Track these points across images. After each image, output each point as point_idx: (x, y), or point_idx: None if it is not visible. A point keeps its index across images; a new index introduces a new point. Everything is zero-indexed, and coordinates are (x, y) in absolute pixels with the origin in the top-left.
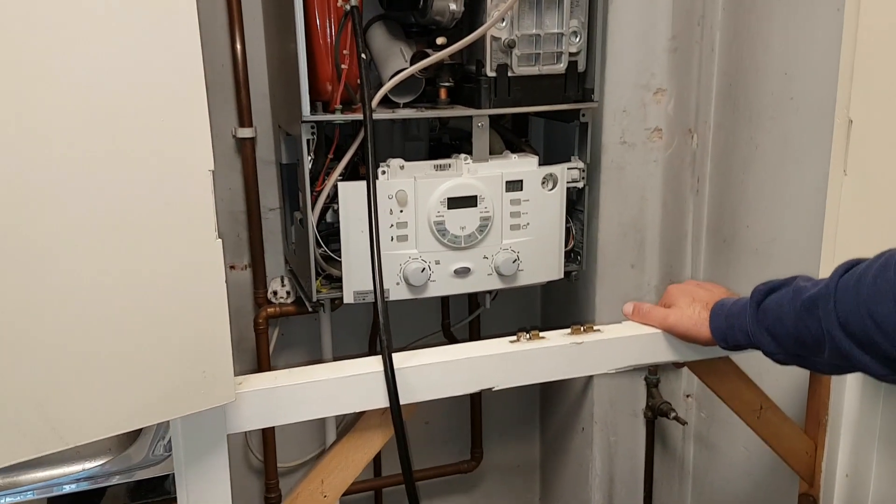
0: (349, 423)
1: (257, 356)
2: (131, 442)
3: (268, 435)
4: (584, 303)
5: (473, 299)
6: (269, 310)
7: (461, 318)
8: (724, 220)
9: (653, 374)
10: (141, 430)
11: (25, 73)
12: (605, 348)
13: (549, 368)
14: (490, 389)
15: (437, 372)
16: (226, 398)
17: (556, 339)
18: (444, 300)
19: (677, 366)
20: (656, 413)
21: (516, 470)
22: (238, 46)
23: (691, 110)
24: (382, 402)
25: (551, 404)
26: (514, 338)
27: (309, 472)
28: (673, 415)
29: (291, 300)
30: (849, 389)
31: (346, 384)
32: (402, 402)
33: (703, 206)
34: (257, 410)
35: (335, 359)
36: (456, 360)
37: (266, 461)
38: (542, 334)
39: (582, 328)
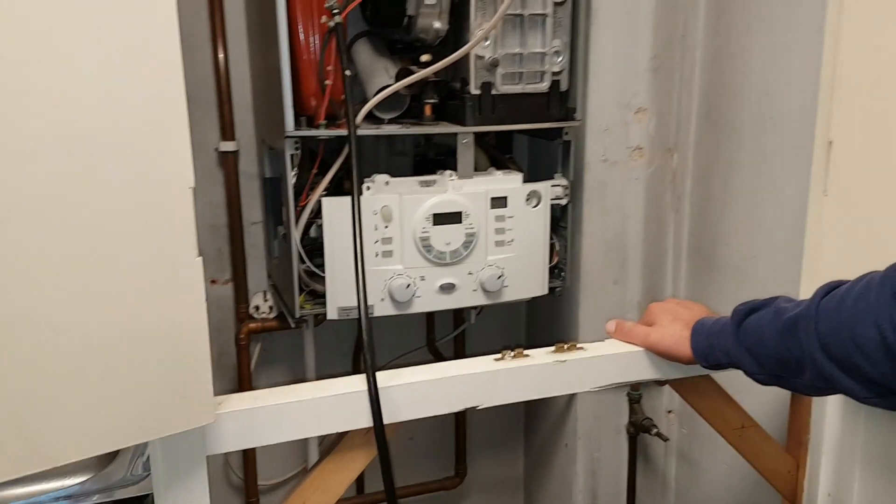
0: (332, 442)
1: (238, 372)
2: (111, 460)
3: (248, 452)
4: (567, 319)
5: (458, 314)
6: (250, 325)
7: (446, 333)
8: (704, 238)
9: (635, 391)
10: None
11: None
12: (589, 366)
13: (533, 386)
14: (475, 408)
15: (422, 391)
16: (205, 419)
17: (540, 357)
18: (429, 315)
19: (659, 384)
20: (638, 429)
21: (500, 486)
22: (221, 59)
23: (672, 129)
24: (366, 421)
25: (535, 420)
26: (499, 356)
27: (290, 494)
28: (655, 431)
29: (274, 315)
30: (830, 409)
31: (328, 403)
32: (385, 421)
33: (683, 223)
34: (238, 431)
35: (318, 375)
36: (440, 379)
37: (246, 479)
38: (526, 352)
39: (565, 346)
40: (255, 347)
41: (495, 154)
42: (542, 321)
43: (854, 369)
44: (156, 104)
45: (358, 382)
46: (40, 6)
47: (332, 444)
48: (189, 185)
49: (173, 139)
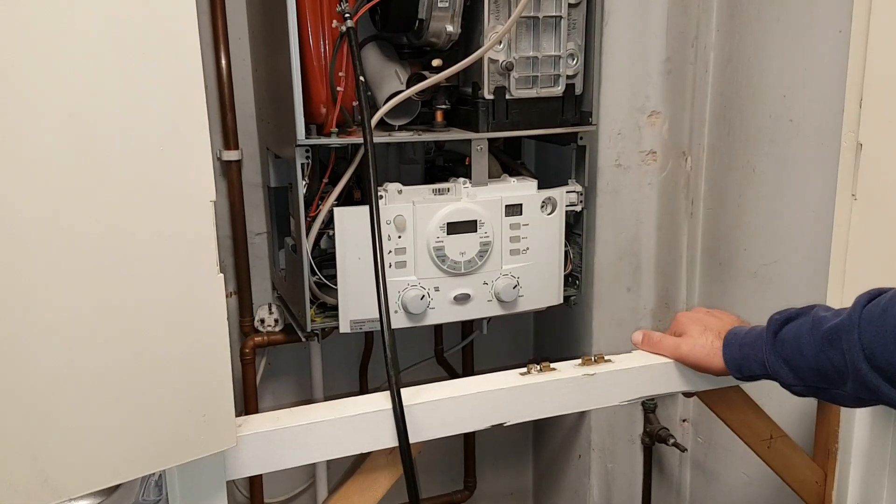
0: (353, 461)
1: (244, 388)
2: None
3: None
4: (579, 327)
5: (467, 324)
6: (256, 339)
7: (454, 344)
8: (719, 243)
9: (650, 400)
10: None
11: (14, 99)
12: (618, 379)
13: (561, 401)
14: (501, 425)
15: (447, 408)
16: (227, 443)
17: (567, 370)
18: (438, 326)
19: (687, 395)
20: (654, 439)
21: (509, 498)
22: (223, 66)
23: (685, 132)
24: (390, 441)
25: (545, 432)
26: (525, 370)
27: None
28: (672, 441)
29: (280, 328)
30: (859, 418)
31: (352, 424)
32: (410, 440)
33: (697, 228)
34: (259, 455)
35: (325, 389)
36: (466, 396)
37: (252, 497)
38: (552, 366)
39: (593, 359)
40: (259, 362)
41: (507, 160)
42: (552, 330)
43: None
44: (177, 116)
45: (381, 401)
46: (60, 20)
47: (353, 465)
48: (210, 198)
49: (195, 151)
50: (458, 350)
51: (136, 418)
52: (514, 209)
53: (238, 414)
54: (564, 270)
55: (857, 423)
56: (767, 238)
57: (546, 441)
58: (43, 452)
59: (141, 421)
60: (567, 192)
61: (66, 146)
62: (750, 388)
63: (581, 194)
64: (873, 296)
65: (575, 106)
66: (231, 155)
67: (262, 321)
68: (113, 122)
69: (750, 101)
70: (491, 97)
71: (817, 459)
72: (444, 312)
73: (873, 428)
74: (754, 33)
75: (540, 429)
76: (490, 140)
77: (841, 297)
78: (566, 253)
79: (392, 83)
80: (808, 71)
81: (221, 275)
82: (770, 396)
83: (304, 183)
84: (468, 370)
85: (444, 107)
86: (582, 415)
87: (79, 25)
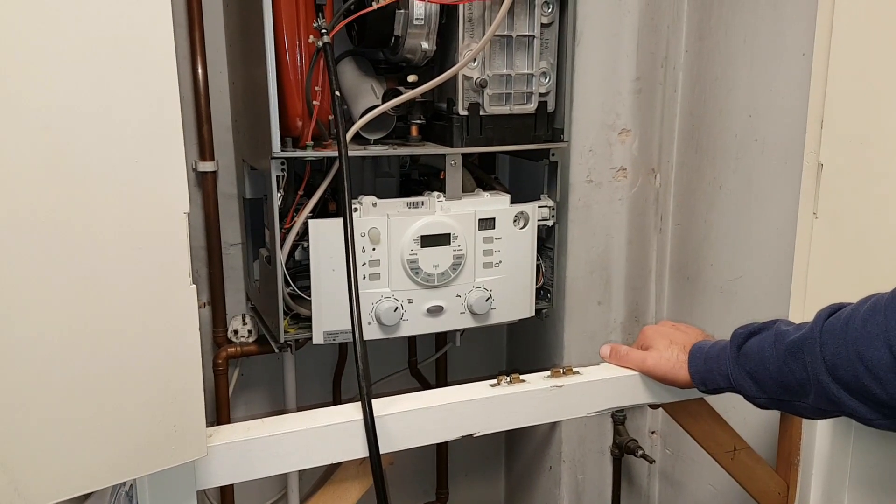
0: (324, 472)
1: (216, 398)
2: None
3: None
4: (551, 340)
5: (441, 336)
6: (229, 349)
7: (428, 355)
8: (688, 258)
9: (619, 412)
10: None
11: None
12: (585, 391)
13: (530, 413)
14: (472, 436)
15: (418, 419)
16: (197, 453)
17: (536, 381)
18: (412, 338)
19: (653, 407)
20: (623, 451)
21: None
22: (200, 77)
23: (654, 150)
24: (361, 451)
25: (517, 443)
26: (495, 381)
27: None
28: (640, 452)
29: (253, 339)
30: (820, 430)
31: (323, 434)
32: (381, 451)
33: (666, 244)
34: (230, 465)
35: (298, 400)
36: (436, 407)
37: None
38: (522, 377)
39: (562, 370)
40: (232, 372)
41: (481, 175)
42: (525, 342)
43: (862, 391)
44: (152, 126)
45: (352, 411)
46: (34, 29)
47: (324, 475)
48: (184, 209)
49: (169, 162)
50: (432, 362)
51: (107, 428)
52: (487, 223)
53: (210, 424)
54: (536, 284)
55: (819, 435)
56: (733, 253)
57: (518, 452)
58: (13, 461)
59: (111, 430)
60: (539, 206)
61: (38, 155)
62: (714, 400)
63: (553, 209)
64: (833, 310)
65: (547, 123)
66: (207, 166)
67: (236, 332)
68: (87, 132)
69: (717, 120)
70: (465, 113)
71: (780, 471)
72: (417, 324)
73: (834, 439)
74: (722, 54)
75: (512, 440)
76: (464, 155)
77: (803, 311)
78: (538, 266)
79: (368, 98)
80: (773, 92)
81: (194, 286)
82: (734, 409)
83: (279, 195)
84: (441, 382)
85: (419, 122)
86: (553, 426)
87: (52, 34)
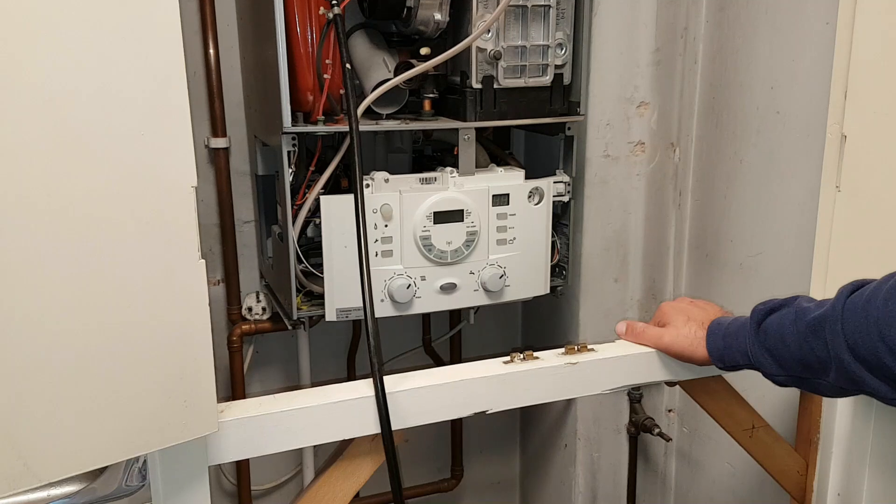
0: (336, 448)
1: (231, 376)
2: (102, 469)
3: None
4: (567, 317)
5: (455, 314)
6: (243, 327)
7: (442, 333)
8: (707, 235)
9: (636, 390)
10: None
11: None
12: (600, 368)
13: (543, 390)
14: (484, 413)
15: (430, 395)
16: (208, 428)
17: (550, 359)
18: (426, 315)
19: (669, 385)
20: (639, 429)
21: (496, 487)
22: (211, 53)
23: (674, 124)
24: (373, 428)
25: (532, 421)
26: (508, 358)
27: (295, 503)
28: (657, 430)
29: (267, 316)
30: (840, 408)
31: (334, 410)
32: (393, 427)
33: (685, 219)
34: (241, 440)
35: (313, 377)
36: (449, 384)
37: (239, 484)
38: (535, 354)
39: (576, 347)
40: (247, 350)
41: (495, 150)
42: (540, 320)
43: (883, 370)
44: (158, 100)
45: (364, 388)
46: (37, 4)
47: (337, 451)
48: (191, 183)
49: (176, 136)
50: (447, 340)
51: (117, 403)
52: (501, 199)
53: (225, 400)
54: (551, 261)
55: (839, 413)
56: (753, 229)
57: (533, 430)
58: (22, 437)
59: (121, 405)
60: (555, 182)
61: (44, 131)
62: (732, 377)
63: (569, 185)
64: (856, 287)
65: (563, 96)
66: (219, 142)
67: (250, 309)
68: (93, 108)
69: (738, 93)
70: (479, 86)
71: (799, 449)
72: (430, 301)
73: (855, 418)
74: (743, 25)
75: (527, 418)
76: (478, 129)
77: (824, 288)
78: (553, 243)
79: (380, 71)
80: (795, 63)
81: (203, 261)
82: (753, 386)
83: (290, 171)
84: (456, 360)
85: (431, 96)
86: (568, 404)
87: (56, 10)
